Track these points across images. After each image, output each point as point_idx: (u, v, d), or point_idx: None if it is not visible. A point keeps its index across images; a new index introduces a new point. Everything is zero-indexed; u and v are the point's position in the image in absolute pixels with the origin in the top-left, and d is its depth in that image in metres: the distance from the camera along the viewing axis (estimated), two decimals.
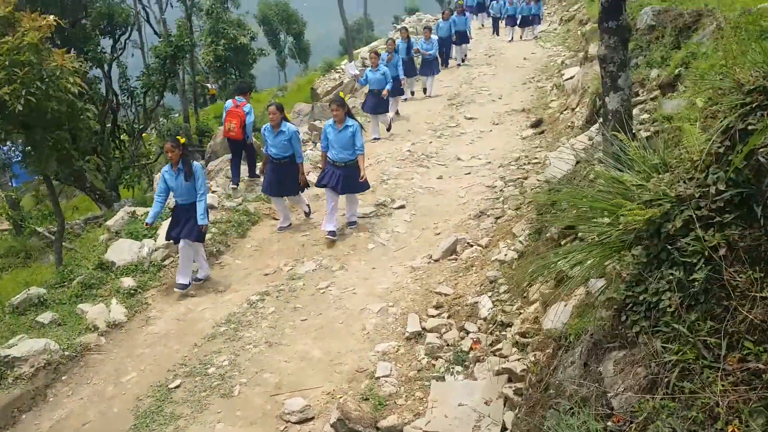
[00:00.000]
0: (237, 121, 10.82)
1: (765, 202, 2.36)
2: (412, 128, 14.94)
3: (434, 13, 44.07)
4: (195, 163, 8.24)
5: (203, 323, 7.51)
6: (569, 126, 12.47)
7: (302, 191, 9.98)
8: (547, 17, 30.03)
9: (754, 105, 2.52)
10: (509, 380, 5.15)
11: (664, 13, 9.18)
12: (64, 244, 12.44)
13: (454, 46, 22.15)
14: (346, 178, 9.16)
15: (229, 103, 11.14)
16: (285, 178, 9.60)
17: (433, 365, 6.03)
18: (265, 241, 9.81)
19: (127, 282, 8.44)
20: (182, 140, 8.21)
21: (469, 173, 11.55)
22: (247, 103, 11.04)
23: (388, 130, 14.68)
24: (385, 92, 13.62)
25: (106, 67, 19.61)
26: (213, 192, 11.05)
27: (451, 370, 5.85)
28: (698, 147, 2.82)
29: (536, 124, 13.88)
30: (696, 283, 2.46)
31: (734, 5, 9.03)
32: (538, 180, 9.74)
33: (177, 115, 32.07)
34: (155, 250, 9.29)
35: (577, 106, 12.91)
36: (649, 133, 5.56)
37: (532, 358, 4.89)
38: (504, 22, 26.92)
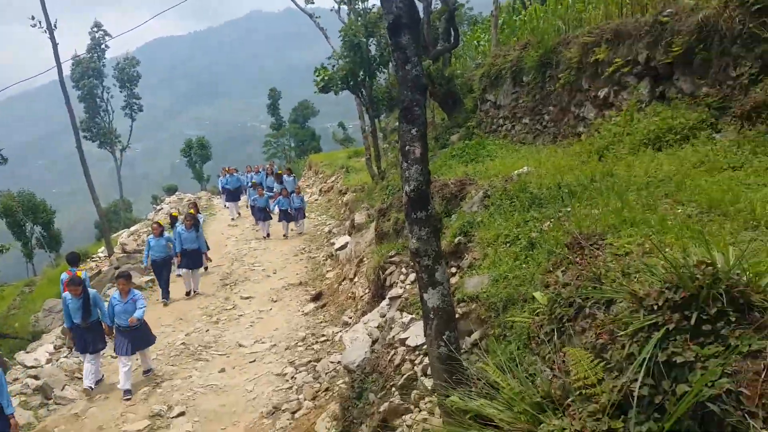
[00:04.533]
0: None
1: None
2: (184, 316, 13.62)
3: (194, 191, 43.56)
4: None
5: None
6: (350, 297, 12.22)
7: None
8: (306, 188, 30.98)
9: (670, 328, 2.10)
10: None
11: None
12: None
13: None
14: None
15: (64, 275, 11.62)
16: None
17: None
18: None
19: None
20: None
21: (254, 361, 10.56)
22: (83, 271, 11.90)
23: None
24: (132, 320, 9.92)
25: None
26: None
27: None
28: (593, 377, 2.32)
29: (316, 297, 13.48)
30: None
31: (488, 173, 9.61)
32: (332, 362, 9.08)
33: None
34: None
35: (355, 277, 12.78)
36: (457, 316, 5.20)
37: None
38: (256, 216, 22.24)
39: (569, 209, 5.53)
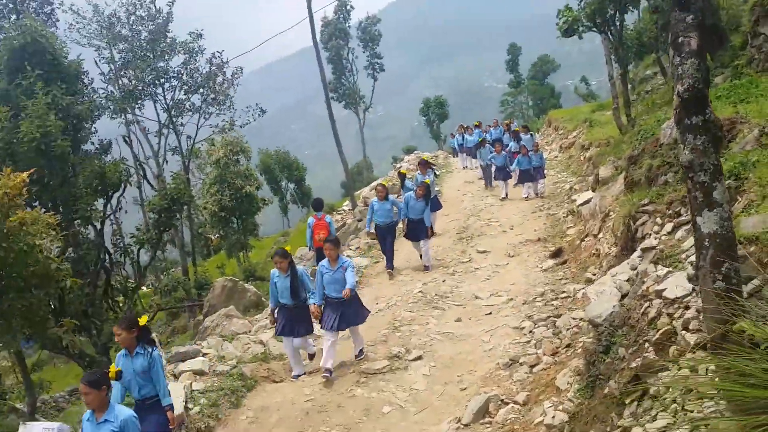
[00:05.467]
0: (325, 231, 12.36)
1: None
2: (421, 267, 13.82)
3: (432, 150, 44.40)
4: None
5: None
6: (594, 254, 11.41)
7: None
8: (545, 146, 29.83)
9: None
10: None
11: None
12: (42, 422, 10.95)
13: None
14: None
15: (312, 219, 12.91)
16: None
17: None
18: (262, 410, 8.35)
19: None
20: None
21: (491, 313, 10.32)
22: (327, 215, 12.87)
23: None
24: (346, 292, 8.75)
25: (97, 225, 18.71)
26: (204, 355, 9.79)
27: None
28: None
29: (556, 253, 12.82)
30: None
31: (763, 111, 8.31)
32: (574, 318, 8.50)
33: (177, 269, 31.26)
34: None
35: (599, 232, 11.90)
36: None
37: None
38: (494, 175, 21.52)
39: None
